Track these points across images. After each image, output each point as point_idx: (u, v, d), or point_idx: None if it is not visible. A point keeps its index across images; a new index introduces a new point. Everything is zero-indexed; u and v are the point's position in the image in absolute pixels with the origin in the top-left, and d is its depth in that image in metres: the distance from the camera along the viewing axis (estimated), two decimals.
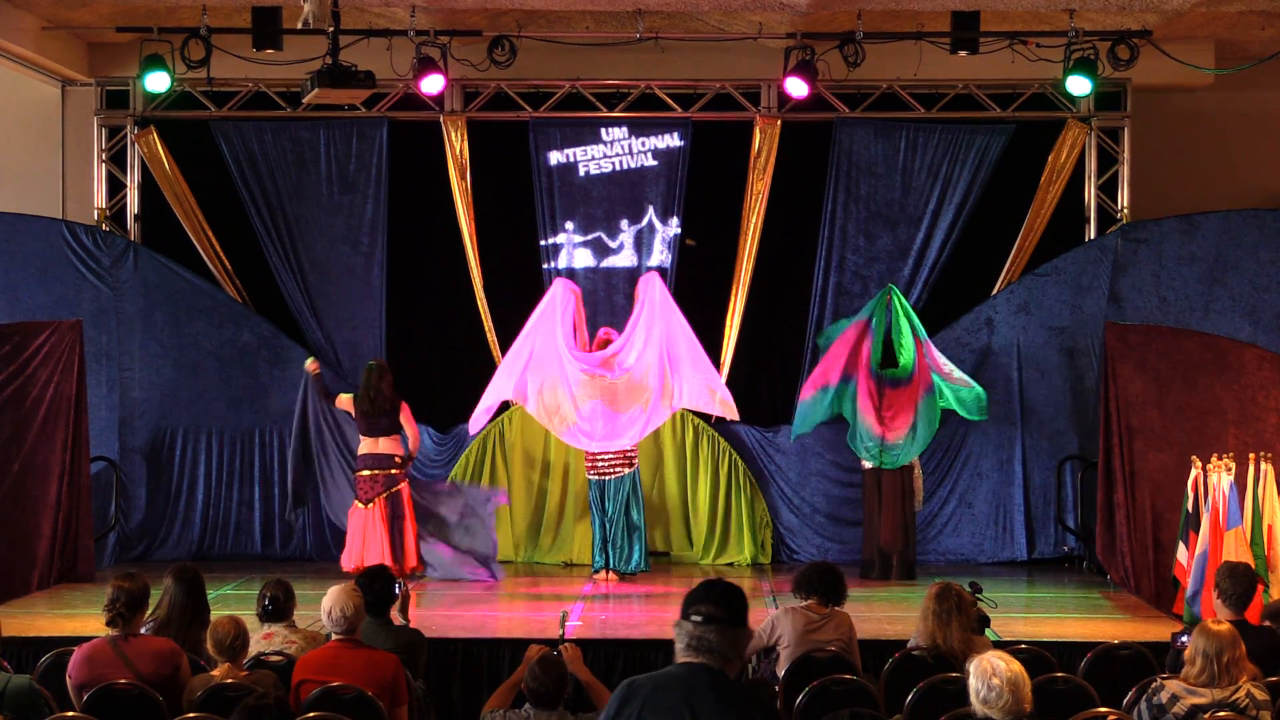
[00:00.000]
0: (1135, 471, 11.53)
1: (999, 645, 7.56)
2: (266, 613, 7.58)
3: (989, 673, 5.53)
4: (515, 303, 13.63)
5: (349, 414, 12.00)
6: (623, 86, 13.57)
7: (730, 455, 13.18)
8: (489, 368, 13.43)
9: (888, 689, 7.42)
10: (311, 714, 6.53)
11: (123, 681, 6.88)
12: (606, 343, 12.15)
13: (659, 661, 9.16)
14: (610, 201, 13.57)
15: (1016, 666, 5.57)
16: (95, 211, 13.65)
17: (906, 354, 12.31)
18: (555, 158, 13.55)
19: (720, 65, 13.49)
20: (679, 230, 13.51)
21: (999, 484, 13.19)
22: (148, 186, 13.63)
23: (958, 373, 12.36)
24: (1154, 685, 6.50)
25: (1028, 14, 12.51)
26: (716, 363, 13.45)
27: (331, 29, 11.38)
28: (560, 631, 7.76)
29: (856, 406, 12.26)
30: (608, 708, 4.53)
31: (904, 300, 12.51)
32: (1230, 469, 9.87)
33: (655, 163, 13.55)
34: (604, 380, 11.84)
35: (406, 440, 11.99)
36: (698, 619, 4.49)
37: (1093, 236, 13.45)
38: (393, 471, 11.87)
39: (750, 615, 4.55)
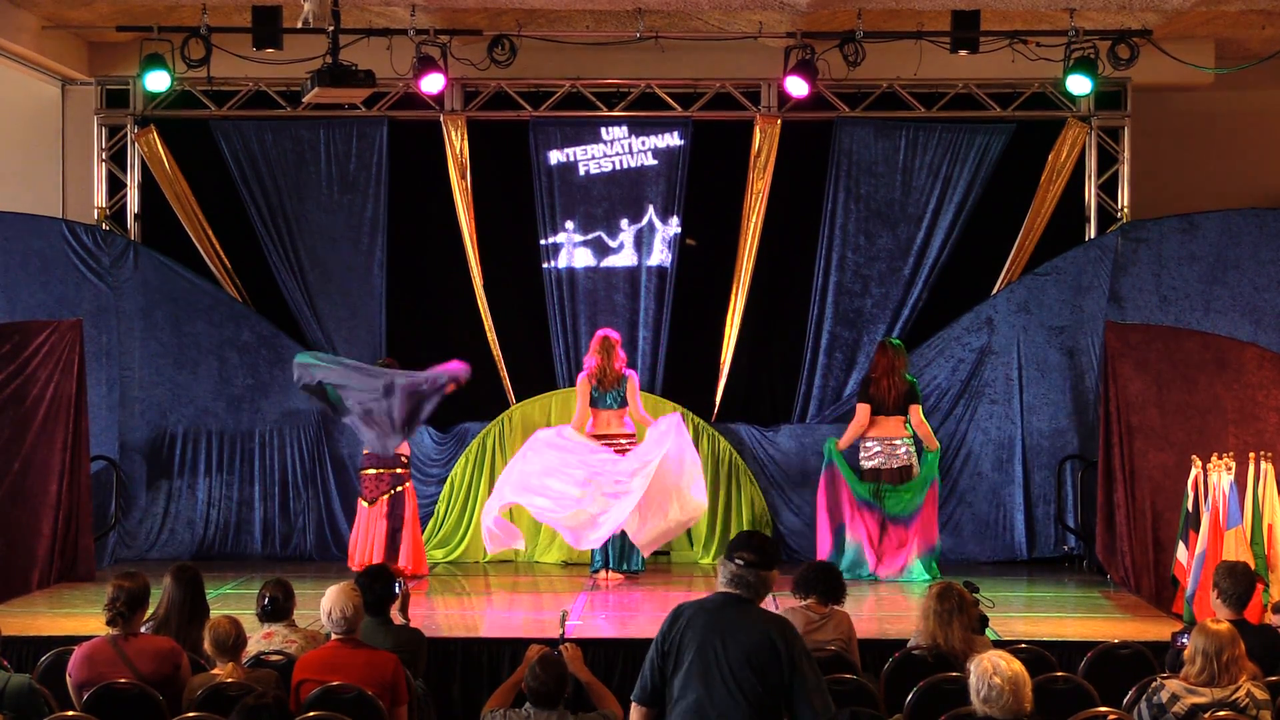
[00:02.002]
0: (1135, 471, 11.52)
1: (999, 645, 7.56)
2: (266, 612, 7.58)
3: (989, 672, 5.53)
4: (515, 303, 13.67)
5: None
6: (623, 86, 13.56)
7: (730, 455, 13.18)
8: (489, 368, 13.47)
9: (888, 689, 7.43)
10: (311, 714, 6.54)
11: (123, 681, 6.89)
12: (604, 341, 12.12)
13: None
14: (610, 201, 13.57)
15: (1017, 666, 5.58)
16: (95, 211, 13.65)
17: (904, 502, 12.15)
18: (555, 157, 13.55)
19: (720, 65, 13.49)
20: (679, 230, 13.51)
21: (999, 484, 13.19)
22: (148, 186, 13.63)
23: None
24: (1154, 685, 6.50)
25: (1028, 13, 12.51)
26: (716, 362, 13.49)
27: (331, 28, 11.38)
28: (560, 631, 7.77)
29: (847, 537, 12.12)
30: (661, 628, 5.62)
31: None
32: (1230, 468, 9.87)
33: (655, 162, 13.55)
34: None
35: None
36: (740, 562, 5.59)
37: (1093, 236, 13.45)
38: (398, 471, 11.91)
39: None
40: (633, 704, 5.67)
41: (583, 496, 11.44)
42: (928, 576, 11.78)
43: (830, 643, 7.78)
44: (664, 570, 12.69)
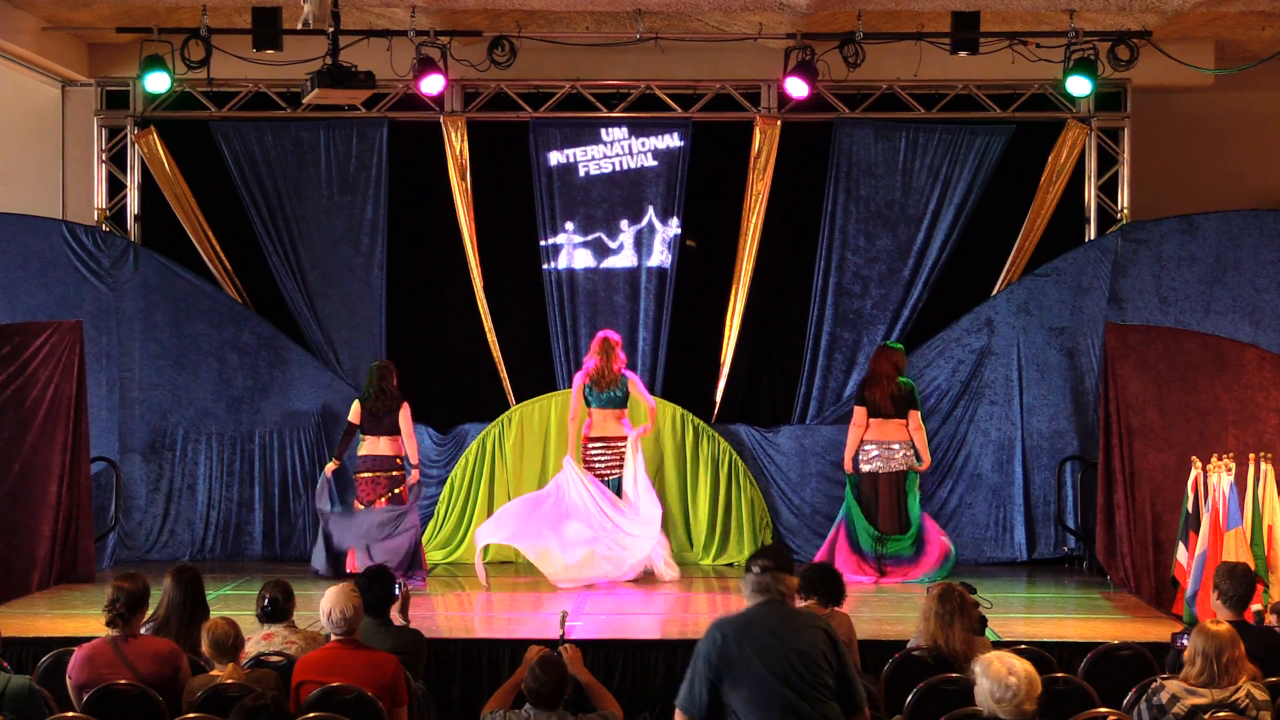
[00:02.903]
0: (1135, 472, 11.52)
1: (999, 645, 7.56)
2: (266, 613, 7.58)
3: (1005, 672, 5.52)
4: (515, 304, 13.67)
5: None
6: (623, 87, 13.56)
7: (730, 455, 13.18)
8: (489, 368, 13.47)
9: (888, 689, 7.42)
10: (311, 714, 6.54)
11: (123, 682, 6.89)
12: (605, 342, 12.11)
13: (659, 662, 9.17)
14: (610, 202, 13.57)
15: (1029, 665, 5.58)
16: (95, 211, 13.65)
17: (903, 545, 12.14)
18: (555, 158, 13.55)
19: (720, 65, 13.49)
20: (679, 230, 13.51)
21: (999, 484, 13.19)
22: (148, 187, 13.63)
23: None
24: (1154, 685, 6.50)
25: (1028, 14, 12.51)
26: (716, 363, 13.48)
27: (331, 29, 11.38)
28: (560, 631, 7.76)
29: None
30: (704, 650, 5.72)
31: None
32: (1230, 469, 9.87)
33: (655, 163, 13.55)
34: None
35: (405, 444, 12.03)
36: (758, 570, 5.86)
37: (1093, 237, 13.45)
38: (394, 473, 11.88)
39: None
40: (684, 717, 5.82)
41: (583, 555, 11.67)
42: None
43: None
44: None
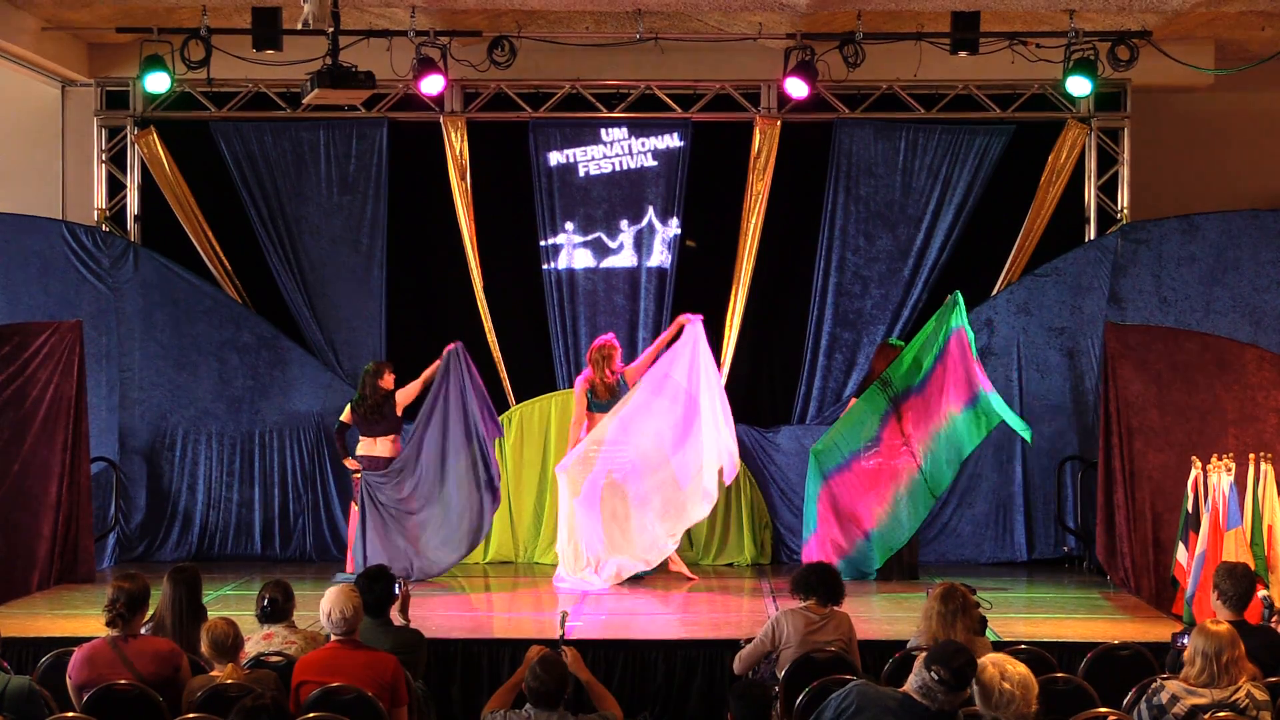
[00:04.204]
0: (1135, 471, 11.53)
1: (999, 646, 7.56)
2: (266, 613, 7.58)
3: (998, 678, 5.51)
4: (515, 304, 13.66)
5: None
6: (623, 87, 13.57)
7: None
8: (489, 368, 13.45)
9: None
10: (311, 714, 6.55)
11: (123, 682, 6.89)
12: (599, 351, 12.07)
13: (659, 662, 9.16)
14: (610, 202, 13.58)
15: (1023, 668, 5.57)
16: (95, 212, 13.65)
17: (917, 369, 12.11)
18: (555, 158, 13.55)
19: (720, 65, 13.49)
20: (679, 230, 13.51)
21: (999, 484, 13.19)
22: (148, 187, 13.63)
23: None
24: (1154, 686, 6.50)
25: (1028, 14, 12.51)
26: (716, 363, 13.46)
27: (331, 29, 11.39)
28: (560, 631, 7.76)
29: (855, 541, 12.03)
30: (834, 701, 5.61)
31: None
32: (1230, 469, 9.88)
33: (655, 163, 13.55)
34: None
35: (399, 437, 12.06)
36: (935, 677, 5.47)
37: (1093, 237, 13.45)
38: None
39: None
40: None
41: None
42: (978, 432, 11.72)
43: (830, 643, 7.78)
44: (664, 571, 12.67)
